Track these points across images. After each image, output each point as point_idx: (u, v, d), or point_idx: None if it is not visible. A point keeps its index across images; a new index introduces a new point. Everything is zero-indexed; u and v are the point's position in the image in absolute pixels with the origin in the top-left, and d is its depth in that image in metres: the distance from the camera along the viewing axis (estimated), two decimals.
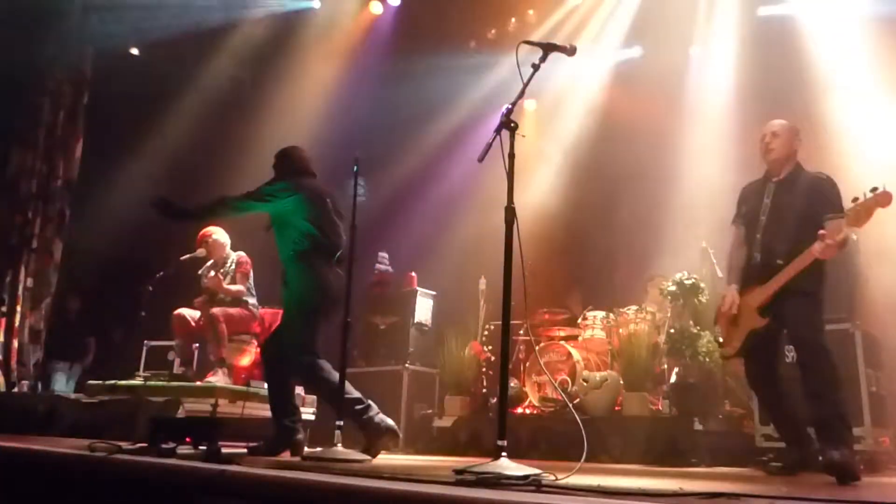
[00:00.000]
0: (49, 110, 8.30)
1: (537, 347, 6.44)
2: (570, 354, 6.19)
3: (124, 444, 3.36)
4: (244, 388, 5.55)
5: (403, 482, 2.12)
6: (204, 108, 8.61)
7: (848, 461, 3.15)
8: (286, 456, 3.95)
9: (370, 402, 4.04)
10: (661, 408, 5.75)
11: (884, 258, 5.16)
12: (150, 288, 5.97)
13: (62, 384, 8.06)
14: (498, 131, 2.82)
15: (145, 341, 6.84)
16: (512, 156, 2.80)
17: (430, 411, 6.73)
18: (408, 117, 9.28)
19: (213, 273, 5.89)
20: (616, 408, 5.80)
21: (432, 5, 8.64)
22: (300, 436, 4.10)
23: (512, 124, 2.81)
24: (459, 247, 8.37)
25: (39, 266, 8.09)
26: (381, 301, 7.76)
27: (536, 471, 2.37)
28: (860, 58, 6.44)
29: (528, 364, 6.55)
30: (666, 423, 5.35)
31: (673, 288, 5.80)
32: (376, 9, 9.10)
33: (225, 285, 5.83)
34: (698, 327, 5.56)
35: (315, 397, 5.85)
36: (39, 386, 7.51)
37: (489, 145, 2.83)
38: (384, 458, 4.01)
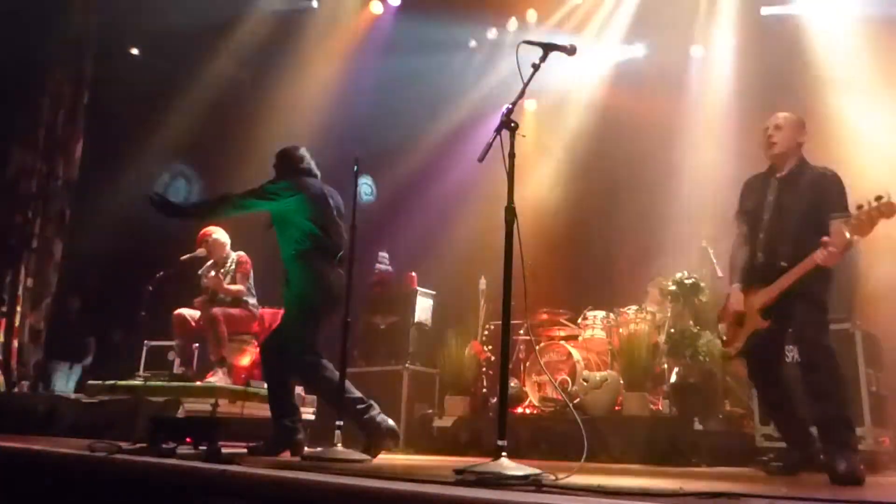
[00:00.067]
0: (49, 110, 8.30)
1: (537, 347, 6.44)
2: (570, 354, 6.19)
3: (124, 444, 3.36)
4: (244, 388, 5.55)
5: (403, 482, 2.12)
6: (204, 107, 8.61)
7: (853, 473, 3.09)
8: (286, 456, 3.94)
9: (372, 402, 4.04)
10: (661, 408, 5.75)
11: (884, 258, 5.16)
12: (150, 288, 5.97)
13: (62, 384, 8.06)
14: (498, 131, 2.81)
15: (145, 341, 6.83)
16: (512, 155, 2.80)
17: (430, 411, 6.72)
18: (408, 117, 9.28)
19: (213, 273, 5.89)
20: (616, 408, 5.80)
21: (432, 5, 8.63)
22: (300, 436, 4.09)
23: (512, 124, 2.81)
24: (459, 247, 8.37)
25: (39, 266, 8.10)
26: (381, 301, 7.75)
27: (536, 471, 2.37)
28: (862, 56, 6.43)
29: (528, 364, 6.55)
30: (666, 423, 5.35)
31: (673, 288, 5.80)
32: (376, 8, 9.10)
33: (225, 285, 5.83)
34: (698, 327, 5.56)
35: (315, 397, 5.85)
36: (39, 386, 7.51)
37: (489, 145, 2.83)
38: (384, 458, 4.01)
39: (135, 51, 8.82)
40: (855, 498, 2.43)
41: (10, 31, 7.51)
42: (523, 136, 2.82)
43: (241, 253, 6.04)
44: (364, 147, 4.28)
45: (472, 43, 9.42)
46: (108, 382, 5.55)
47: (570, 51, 3.05)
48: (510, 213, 2.74)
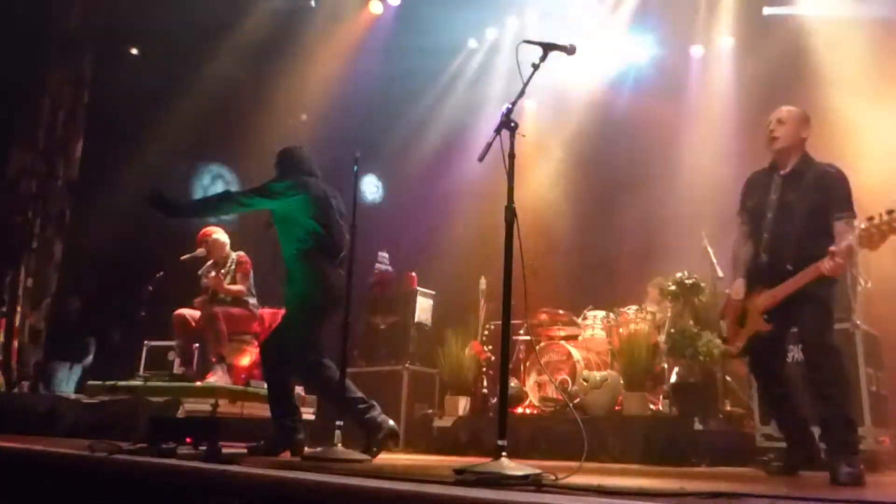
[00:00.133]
0: (49, 110, 8.31)
1: (537, 347, 6.44)
2: (570, 354, 6.20)
3: (124, 444, 3.36)
4: (244, 388, 5.55)
5: (403, 482, 2.12)
6: (204, 107, 8.61)
7: (854, 476, 3.07)
8: (286, 456, 3.94)
9: (373, 402, 4.04)
10: (661, 408, 5.75)
11: (884, 258, 5.15)
12: (150, 288, 5.98)
13: (62, 384, 8.06)
14: (498, 131, 2.81)
15: (145, 341, 6.84)
16: (512, 155, 2.80)
17: (431, 411, 6.73)
18: (408, 117, 9.29)
19: (213, 273, 5.89)
20: (616, 408, 5.80)
21: (432, 5, 8.64)
22: (300, 435, 4.09)
23: (512, 124, 2.81)
24: (459, 247, 8.37)
25: (39, 266, 8.10)
26: (381, 301, 7.76)
27: (536, 471, 2.37)
28: (865, 55, 6.42)
29: (528, 364, 6.55)
30: (666, 423, 5.34)
31: (673, 288, 5.80)
32: (376, 8, 9.10)
33: (225, 285, 5.83)
34: (698, 327, 5.56)
35: (315, 397, 5.85)
36: (40, 386, 7.51)
37: (489, 145, 2.83)
38: (384, 458, 4.01)
39: (135, 51, 8.82)
40: (855, 498, 2.43)
41: (11, 31, 7.52)
42: (523, 136, 2.82)
43: (241, 253, 6.04)
44: (364, 147, 4.27)
45: (472, 43, 9.42)
46: (108, 382, 5.55)
47: (570, 50, 3.04)
48: (510, 213, 2.74)
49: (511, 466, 2.40)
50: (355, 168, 4.03)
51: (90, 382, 5.77)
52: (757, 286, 3.66)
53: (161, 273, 6.06)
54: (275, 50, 9.07)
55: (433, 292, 7.69)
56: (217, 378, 5.54)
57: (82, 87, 8.51)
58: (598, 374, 5.93)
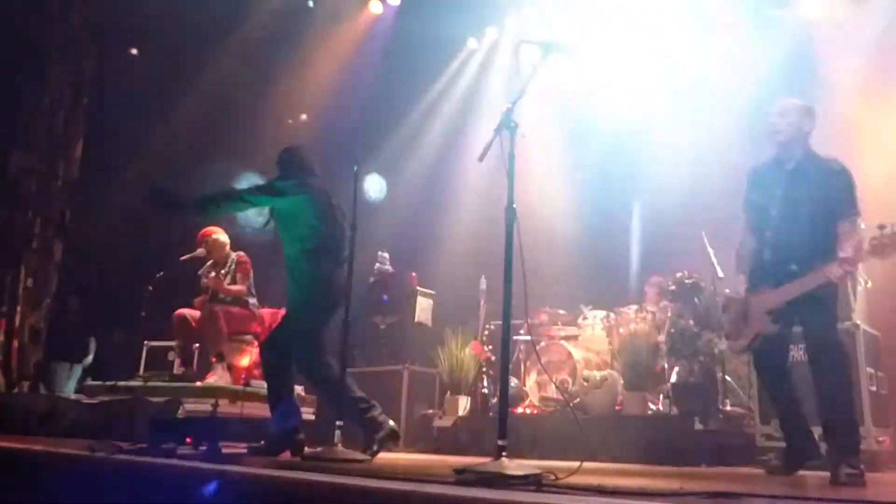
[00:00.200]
0: (49, 110, 8.30)
1: (537, 347, 6.44)
2: (570, 354, 6.20)
3: (124, 444, 3.36)
4: (244, 387, 5.55)
5: (403, 482, 2.12)
6: (204, 107, 8.61)
7: (854, 478, 3.06)
8: (286, 456, 3.94)
9: (374, 402, 4.04)
10: (661, 408, 5.75)
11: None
12: (151, 288, 5.98)
13: (63, 384, 8.05)
14: (498, 131, 2.81)
15: (145, 341, 6.84)
16: (512, 156, 2.80)
17: (432, 411, 6.73)
18: (407, 117, 9.30)
19: (213, 273, 5.89)
20: (616, 407, 5.80)
21: (432, 5, 8.64)
22: (300, 435, 4.09)
23: (512, 124, 2.81)
24: (459, 247, 8.37)
25: (39, 266, 8.10)
26: (382, 301, 7.75)
27: (536, 471, 2.37)
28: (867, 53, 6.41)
29: (528, 364, 6.56)
30: (666, 423, 5.34)
31: (673, 288, 5.80)
32: (376, 8, 9.11)
33: (225, 285, 5.83)
34: (698, 327, 5.56)
35: (315, 397, 5.85)
36: (40, 386, 7.51)
37: (489, 145, 2.83)
38: (384, 458, 4.01)
39: (135, 51, 8.82)
40: (855, 498, 2.43)
41: (11, 31, 7.52)
42: (523, 135, 2.82)
43: (241, 253, 6.04)
44: (364, 147, 4.28)
45: (472, 42, 9.42)
46: (108, 382, 5.55)
47: (571, 50, 3.04)
48: (510, 213, 2.74)
49: (511, 466, 2.40)
50: (355, 168, 4.03)
51: (90, 382, 5.78)
52: (760, 284, 3.62)
53: (161, 273, 6.06)
54: (275, 50, 9.07)
55: (433, 292, 7.69)
56: (217, 378, 5.54)
57: (82, 87, 8.50)
58: (598, 374, 5.94)
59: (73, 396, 6.05)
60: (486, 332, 6.79)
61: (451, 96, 9.34)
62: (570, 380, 6.08)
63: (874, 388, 4.65)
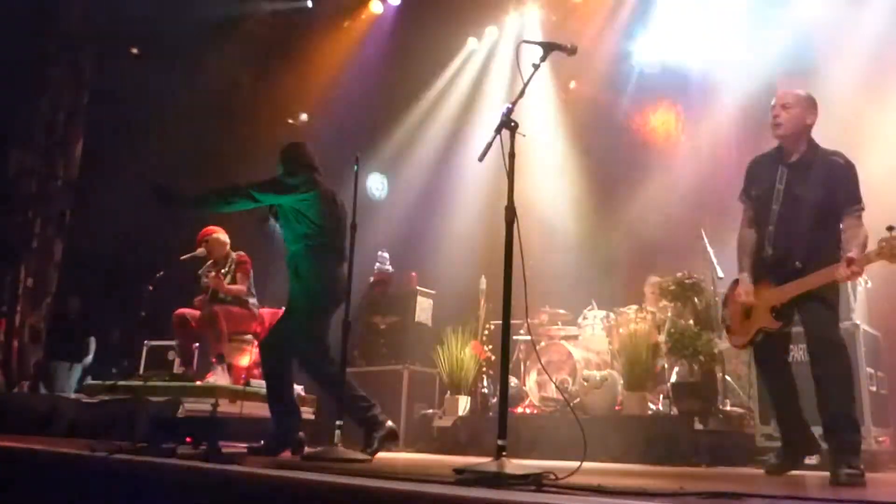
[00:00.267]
0: (49, 110, 8.31)
1: (537, 347, 6.44)
2: (570, 354, 6.20)
3: (124, 444, 3.36)
4: (244, 387, 5.55)
5: (403, 482, 2.11)
6: (204, 107, 8.61)
7: (854, 478, 3.04)
8: (286, 455, 3.94)
9: (374, 402, 4.05)
10: (661, 408, 5.75)
11: (873, 263, 5.15)
12: (151, 288, 5.98)
13: (62, 384, 8.05)
14: (498, 131, 2.81)
15: (145, 341, 6.84)
16: (512, 155, 2.79)
17: (433, 411, 6.73)
18: (407, 117, 9.30)
19: (213, 272, 5.88)
20: (616, 407, 5.80)
21: (432, 4, 8.64)
22: (300, 435, 4.09)
23: (512, 124, 2.81)
24: (459, 247, 8.37)
25: (39, 266, 8.10)
26: (381, 301, 7.76)
27: (536, 471, 2.37)
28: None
29: (528, 364, 6.56)
30: (666, 423, 5.34)
31: (673, 288, 5.79)
32: (376, 8, 9.11)
33: (225, 285, 5.83)
34: (698, 327, 5.56)
35: (315, 397, 5.85)
36: (40, 386, 7.51)
37: (489, 145, 2.83)
38: (384, 458, 4.01)
39: (135, 51, 8.82)
40: (855, 498, 2.43)
41: (11, 31, 7.51)
42: (523, 135, 2.81)
43: (241, 252, 6.04)
44: (364, 147, 4.28)
45: (472, 42, 9.42)
46: (108, 382, 5.54)
47: (571, 50, 3.04)
48: (510, 212, 2.74)
49: (511, 466, 2.39)
50: (356, 168, 4.03)
51: (90, 382, 5.77)
52: (762, 280, 3.57)
53: (161, 273, 6.06)
54: (275, 49, 9.07)
55: (433, 292, 7.69)
56: (217, 378, 5.53)
57: (82, 86, 8.50)
58: (598, 374, 5.94)
59: (73, 396, 6.05)
60: (486, 332, 6.79)
61: (451, 96, 9.34)
62: (570, 380, 6.08)
63: (874, 388, 4.65)
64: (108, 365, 7.86)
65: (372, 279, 7.93)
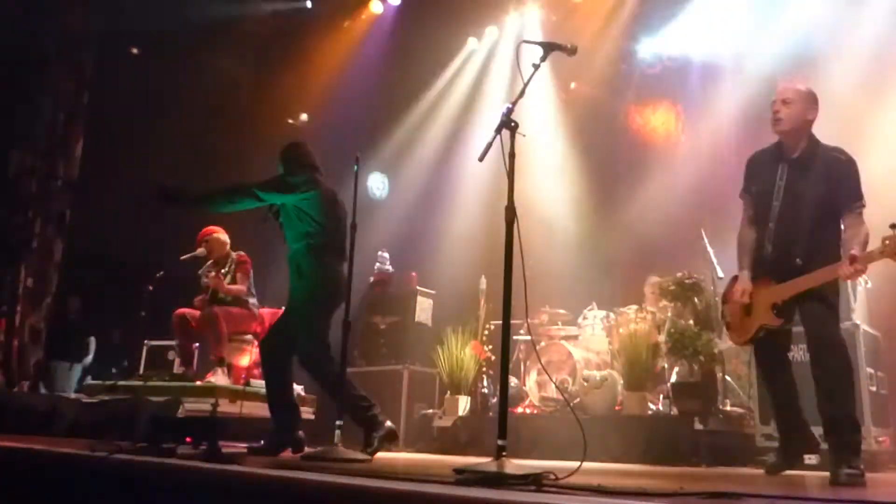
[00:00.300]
0: (49, 110, 8.30)
1: (538, 347, 6.44)
2: (570, 354, 6.19)
3: (124, 444, 3.36)
4: (244, 387, 5.54)
5: (403, 482, 2.11)
6: (204, 107, 8.61)
7: (854, 479, 3.03)
8: (287, 455, 3.94)
9: (374, 402, 4.05)
10: (660, 408, 5.75)
11: (877, 261, 5.14)
12: (151, 288, 5.98)
13: (62, 384, 8.05)
14: (498, 131, 2.81)
15: (145, 341, 6.84)
16: (512, 155, 2.79)
17: (433, 411, 6.73)
18: (407, 117, 9.30)
19: (213, 272, 5.88)
20: (616, 407, 5.80)
21: (432, 4, 8.64)
22: (301, 434, 4.10)
23: (512, 123, 2.81)
24: (459, 247, 8.37)
25: (39, 266, 8.10)
26: (381, 301, 7.76)
27: (536, 471, 2.37)
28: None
29: (528, 364, 6.56)
30: (666, 423, 5.34)
31: (673, 288, 5.79)
32: (376, 8, 9.11)
33: (225, 285, 5.83)
34: (698, 327, 5.56)
35: (315, 397, 5.85)
36: (40, 386, 7.52)
37: (489, 145, 2.82)
38: (384, 458, 4.01)
39: (135, 51, 8.82)
40: (855, 498, 2.43)
41: (11, 31, 7.51)
42: (523, 135, 2.81)
43: (241, 252, 6.04)
44: (364, 147, 4.28)
45: (472, 42, 9.42)
46: (108, 382, 5.54)
47: (571, 50, 3.03)
48: (510, 212, 2.74)
49: (511, 466, 2.39)
50: (356, 168, 4.04)
51: (90, 382, 5.77)
52: (763, 277, 3.54)
53: (161, 273, 6.06)
54: (275, 49, 9.07)
55: (433, 292, 7.69)
56: (217, 378, 5.53)
57: (82, 86, 8.50)
58: (598, 374, 5.93)
59: (73, 396, 6.05)
60: (486, 332, 6.79)
61: (451, 96, 9.34)
62: (570, 380, 6.08)
63: (874, 388, 4.66)
64: (108, 365, 7.87)
65: (372, 279, 7.93)
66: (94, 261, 8.29)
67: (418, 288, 7.61)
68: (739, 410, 5.56)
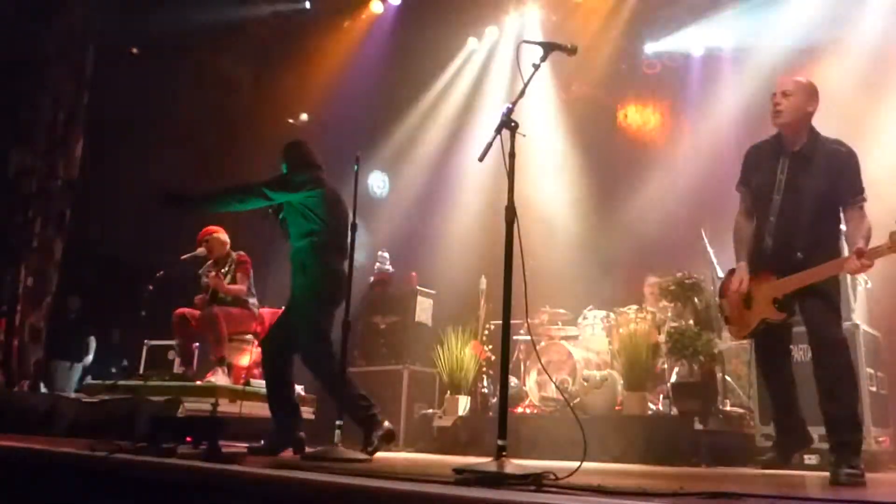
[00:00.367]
0: (49, 109, 8.29)
1: (538, 347, 6.44)
2: (570, 354, 6.19)
3: (124, 444, 3.36)
4: (244, 387, 5.55)
5: (403, 482, 2.11)
6: (204, 107, 8.61)
7: (854, 479, 3.02)
8: (287, 455, 3.94)
9: (374, 402, 4.06)
10: (661, 408, 5.75)
11: (884, 256, 5.14)
12: (151, 288, 5.98)
13: (62, 383, 8.05)
14: (498, 131, 2.81)
15: (145, 341, 6.84)
16: (512, 155, 2.79)
17: (433, 411, 6.73)
18: (407, 117, 9.30)
19: (213, 272, 5.89)
20: (616, 407, 5.80)
21: (432, 4, 8.64)
22: (301, 434, 4.10)
23: (512, 123, 2.81)
24: (459, 247, 8.37)
25: (39, 265, 8.09)
26: (381, 301, 7.76)
27: (536, 470, 2.37)
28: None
29: (528, 364, 6.55)
30: (666, 423, 5.34)
31: (673, 288, 5.79)
32: (376, 8, 9.11)
33: (225, 284, 5.83)
34: (698, 327, 5.56)
35: (315, 397, 5.85)
36: (40, 385, 7.51)
37: (489, 145, 2.82)
38: (384, 458, 4.01)
39: (135, 50, 8.82)
40: (855, 498, 2.43)
41: (11, 31, 7.52)
42: (523, 135, 2.81)
43: (241, 252, 6.04)
44: (364, 147, 4.29)
45: (472, 42, 9.42)
46: (108, 382, 5.55)
47: (571, 50, 3.03)
48: (510, 212, 2.74)
49: (511, 466, 2.39)
50: (356, 168, 4.04)
51: (90, 382, 5.77)
52: (762, 271, 3.51)
53: (161, 273, 6.06)
54: (275, 49, 9.07)
55: (433, 292, 7.69)
56: (217, 378, 5.54)
57: (82, 86, 8.50)
58: (598, 374, 5.93)
59: (73, 396, 6.05)
60: (486, 332, 6.79)
61: (451, 96, 9.34)
62: (570, 380, 6.08)
63: (874, 388, 4.66)
64: (108, 365, 7.88)
65: (372, 279, 7.93)
66: (94, 261, 8.29)
67: (418, 288, 7.61)
68: (739, 410, 5.56)
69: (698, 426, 5.11)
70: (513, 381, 6.41)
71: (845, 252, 3.43)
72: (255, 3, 8.72)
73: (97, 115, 8.47)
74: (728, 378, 5.67)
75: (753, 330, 3.58)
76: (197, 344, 6.06)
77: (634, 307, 6.28)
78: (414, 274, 7.84)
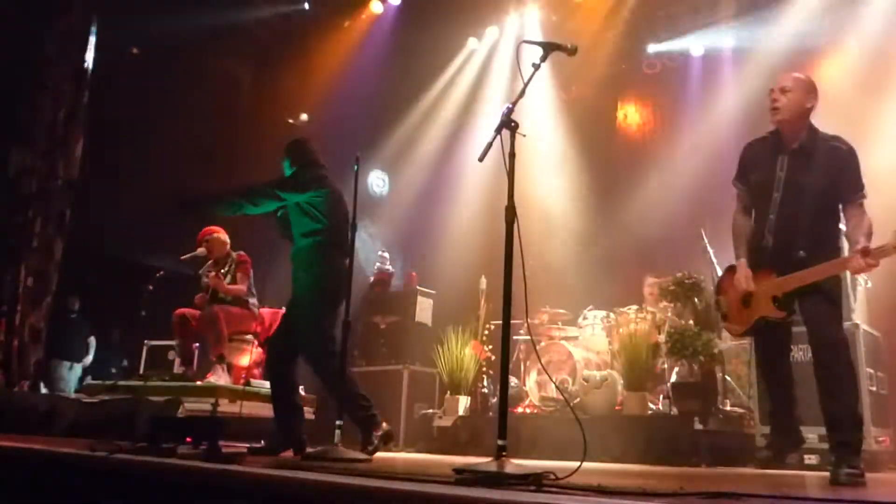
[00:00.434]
0: (49, 109, 8.29)
1: (538, 347, 6.44)
2: (570, 354, 6.19)
3: (124, 444, 3.35)
4: (244, 387, 5.55)
5: (403, 482, 2.11)
6: (204, 107, 8.61)
7: (855, 481, 3.01)
8: (287, 455, 3.94)
9: (373, 402, 4.07)
10: (660, 408, 5.75)
11: (890, 256, 5.14)
12: (151, 287, 5.98)
13: (63, 383, 8.06)
14: (498, 131, 2.81)
15: (145, 341, 6.84)
16: (512, 155, 2.79)
17: (433, 411, 6.73)
18: (407, 117, 9.30)
19: (213, 272, 5.89)
20: (616, 407, 5.80)
21: (432, 4, 8.64)
22: (302, 435, 4.10)
23: (512, 123, 2.81)
24: (459, 247, 8.38)
25: (40, 265, 8.09)
26: (381, 301, 7.76)
27: (536, 470, 2.36)
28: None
29: (528, 364, 6.56)
30: (666, 423, 5.34)
31: (673, 288, 5.79)
32: (376, 8, 9.11)
33: (225, 284, 5.83)
34: (698, 327, 5.56)
35: (315, 397, 5.85)
36: (40, 385, 7.52)
37: (489, 145, 2.82)
38: (384, 458, 4.01)
39: (135, 50, 8.82)
40: (855, 498, 2.43)
41: (11, 31, 7.52)
42: (523, 135, 2.81)
43: (241, 252, 6.04)
44: (364, 147, 4.29)
45: (473, 42, 9.42)
46: (108, 382, 5.55)
47: (571, 50, 3.03)
48: (510, 212, 2.74)
49: (511, 466, 2.39)
50: (356, 167, 4.04)
51: (90, 382, 5.77)
52: (762, 269, 3.48)
53: (161, 273, 6.06)
54: (275, 49, 9.07)
55: (433, 292, 7.69)
56: (217, 378, 5.54)
57: (82, 86, 8.49)
58: (598, 374, 5.93)
59: (73, 396, 6.05)
60: (486, 332, 6.79)
61: (451, 96, 9.34)
62: (570, 380, 6.08)
63: (874, 388, 4.66)
64: (108, 365, 7.88)
65: (372, 279, 7.94)
66: (94, 261, 8.29)
67: (418, 288, 7.61)
68: (739, 410, 5.56)
69: (698, 426, 5.11)
70: (513, 381, 6.41)
71: (845, 250, 3.42)
72: (256, 4, 8.72)
73: (97, 115, 8.47)
74: (728, 378, 5.67)
75: (751, 327, 3.56)
76: (197, 344, 6.06)
77: (634, 307, 6.29)
78: (414, 274, 7.85)
